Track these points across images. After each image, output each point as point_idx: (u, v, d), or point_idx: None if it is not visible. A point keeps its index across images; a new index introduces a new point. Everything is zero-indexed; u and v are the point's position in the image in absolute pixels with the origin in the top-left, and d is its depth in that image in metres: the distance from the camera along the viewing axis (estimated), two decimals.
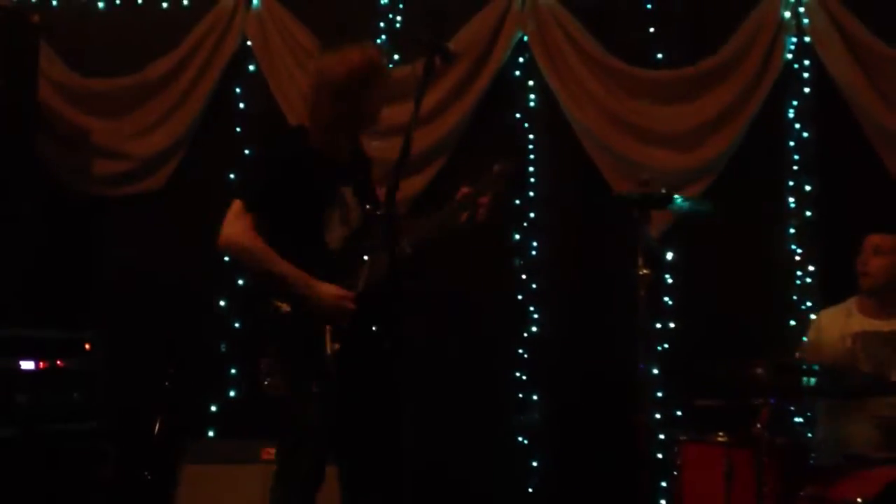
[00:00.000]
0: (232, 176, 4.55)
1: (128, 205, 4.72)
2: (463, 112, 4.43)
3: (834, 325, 3.64)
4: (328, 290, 2.71)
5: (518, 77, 4.48)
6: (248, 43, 4.65)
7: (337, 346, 2.72)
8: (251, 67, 4.67)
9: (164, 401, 4.23)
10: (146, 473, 4.11)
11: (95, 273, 4.72)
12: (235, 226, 2.76)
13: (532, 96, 4.45)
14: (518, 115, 4.44)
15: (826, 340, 3.61)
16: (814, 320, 3.80)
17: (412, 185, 4.29)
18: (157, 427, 4.13)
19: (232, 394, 4.41)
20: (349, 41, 2.94)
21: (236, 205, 2.79)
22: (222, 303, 4.49)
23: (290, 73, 4.57)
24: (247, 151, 4.54)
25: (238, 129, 4.64)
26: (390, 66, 4.52)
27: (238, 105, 4.67)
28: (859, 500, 2.71)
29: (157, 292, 4.58)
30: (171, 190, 4.71)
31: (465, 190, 2.91)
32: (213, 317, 4.48)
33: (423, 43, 2.68)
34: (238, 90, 4.67)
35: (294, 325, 2.73)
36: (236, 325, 4.47)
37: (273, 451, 3.81)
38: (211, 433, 4.37)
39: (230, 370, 4.44)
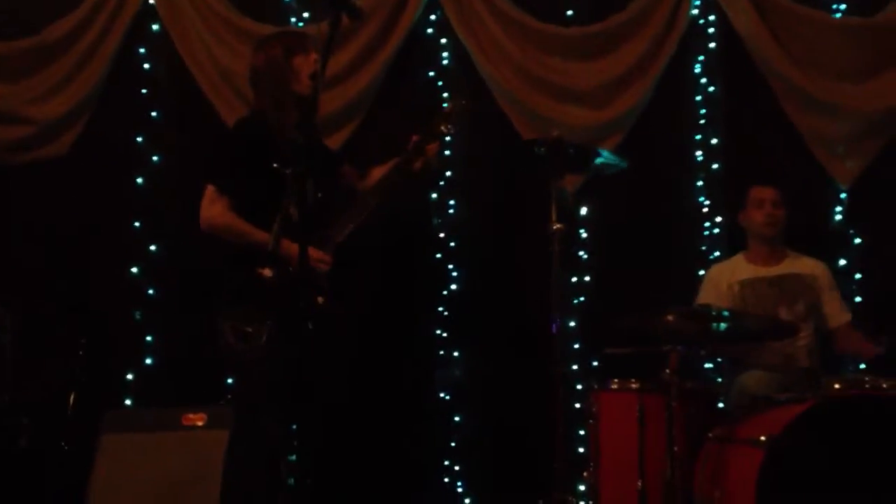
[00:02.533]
0: (139, 139, 4.47)
1: (31, 172, 4.55)
2: (376, 71, 4.39)
3: (722, 278, 3.82)
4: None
5: (431, 35, 4.45)
6: (151, 1, 4.51)
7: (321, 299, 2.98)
8: (155, 27, 4.53)
9: (78, 371, 4.14)
10: (63, 444, 4.02)
11: (1, 244, 4.56)
12: (213, 209, 3.07)
13: (445, 54, 4.44)
14: (432, 74, 4.43)
15: (716, 292, 3.78)
16: (704, 276, 3.94)
17: (328, 145, 4.25)
18: (72, 397, 4.05)
19: (148, 362, 4.33)
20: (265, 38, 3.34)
21: (209, 190, 3.09)
22: (135, 270, 4.40)
23: (196, 31, 4.46)
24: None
25: (144, 91, 4.52)
26: (300, 24, 4.48)
27: (143, 66, 4.54)
28: (762, 437, 2.82)
29: (66, 262, 4.46)
30: (77, 155, 4.56)
31: (415, 138, 3.22)
32: (127, 284, 4.38)
33: (330, 1, 2.66)
34: (142, 51, 4.54)
35: (277, 288, 2.83)
36: (150, 292, 4.39)
37: (193, 416, 3.83)
38: (128, 402, 4.29)
39: (146, 338, 4.36)
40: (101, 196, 4.49)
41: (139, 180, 4.47)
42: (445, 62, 4.44)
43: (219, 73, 4.44)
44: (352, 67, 4.37)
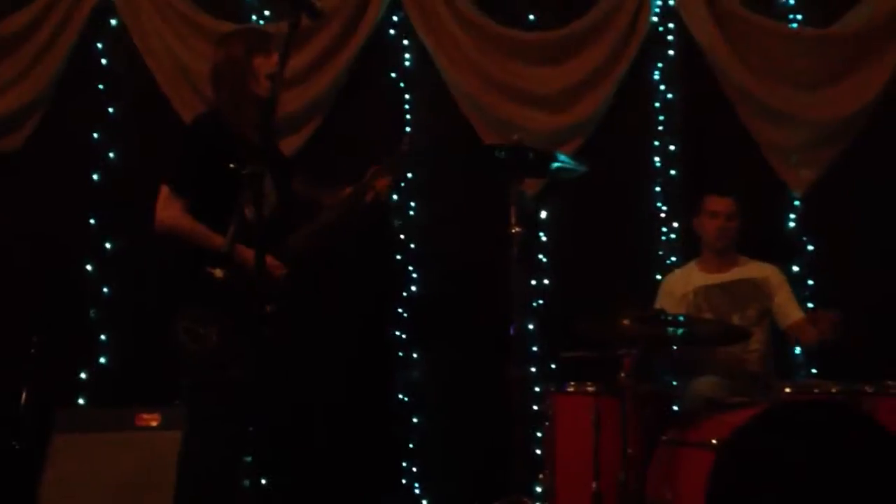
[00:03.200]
0: (95, 135, 4.43)
1: None
2: (337, 71, 4.38)
3: (677, 287, 3.88)
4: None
5: (393, 36, 4.46)
6: None
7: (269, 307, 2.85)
8: (113, 22, 4.49)
9: (30, 369, 4.08)
10: (14, 444, 3.96)
11: None
12: (169, 210, 3.00)
13: (407, 56, 4.45)
14: (394, 75, 4.44)
15: (671, 300, 3.83)
16: (660, 284, 3.99)
17: (289, 145, 4.22)
18: (23, 396, 3.99)
19: (102, 361, 4.28)
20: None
21: (165, 190, 3.02)
22: (90, 268, 4.34)
23: (155, 27, 4.43)
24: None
25: (101, 87, 4.47)
26: (261, 22, 4.46)
27: (101, 61, 4.49)
28: (713, 441, 2.87)
29: (20, 258, 4.39)
30: (32, 151, 4.49)
31: (372, 169, 3.23)
32: (82, 283, 4.33)
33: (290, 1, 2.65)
34: (100, 46, 4.49)
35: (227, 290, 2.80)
36: (105, 290, 4.34)
37: (147, 416, 3.79)
38: (81, 401, 4.24)
39: (100, 337, 4.31)
40: (57, 192, 4.43)
41: (95, 177, 4.42)
42: (407, 64, 4.45)
43: (177, 69, 4.40)
44: (312, 68, 4.36)
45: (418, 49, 4.43)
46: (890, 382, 3.19)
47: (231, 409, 2.88)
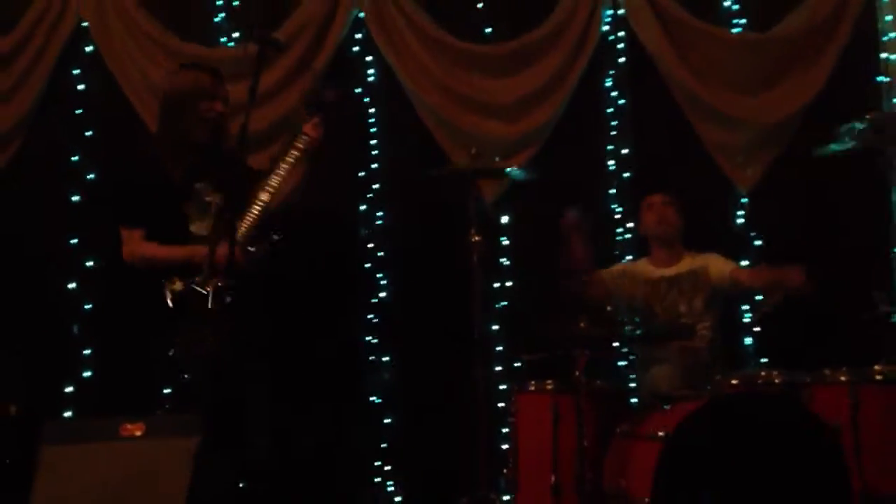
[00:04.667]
0: (75, 157, 4.59)
1: None
2: (304, 88, 4.54)
3: (628, 273, 4.08)
4: (197, 248, 3.11)
5: (357, 53, 4.63)
6: (84, 24, 4.61)
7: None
8: (88, 48, 4.64)
9: (16, 384, 4.24)
10: (5, 459, 4.12)
11: None
12: (128, 245, 3.25)
13: (371, 71, 4.62)
14: (359, 90, 4.61)
15: (619, 280, 4.05)
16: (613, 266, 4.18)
17: (257, 163, 4.39)
18: (11, 411, 4.15)
19: (87, 374, 4.45)
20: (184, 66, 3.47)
21: (122, 229, 3.27)
22: (72, 285, 4.51)
23: (128, 51, 4.59)
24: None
25: (79, 111, 4.63)
26: (230, 44, 4.62)
27: (77, 86, 4.65)
28: (660, 433, 3.07)
29: (3, 278, 4.54)
30: (13, 173, 4.65)
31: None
32: (64, 300, 4.49)
33: (254, 38, 2.83)
34: (76, 71, 4.65)
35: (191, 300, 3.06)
36: (87, 306, 4.51)
37: (132, 426, 3.95)
38: (68, 414, 4.40)
39: (83, 351, 4.47)
40: (38, 213, 4.59)
41: (75, 197, 4.58)
42: (371, 79, 4.62)
43: (150, 91, 4.55)
44: (280, 86, 4.52)
45: (381, 64, 4.61)
46: (827, 371, 3.41)
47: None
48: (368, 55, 4.63)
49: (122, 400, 4.26)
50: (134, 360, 4.32)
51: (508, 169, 3.66)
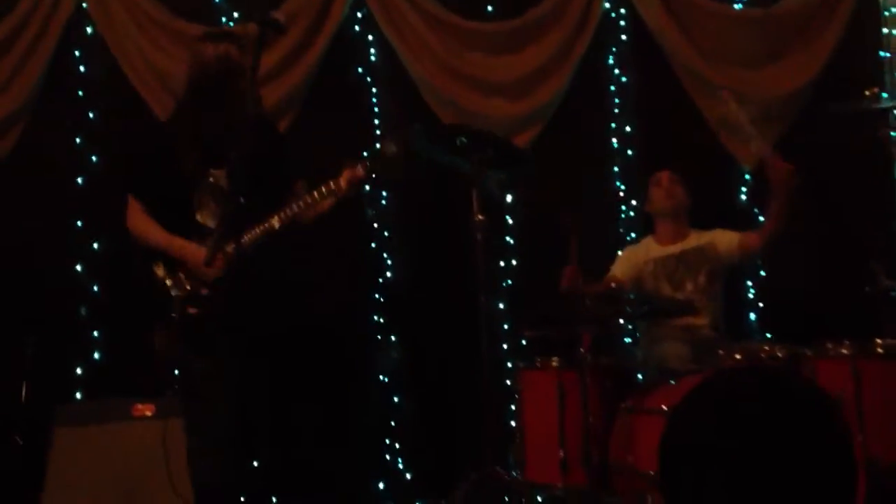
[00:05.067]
0: (78, 140, 4.60)
1: None
2: (307, 67, 4.56)
3: (636, 257, 4.10)
4: (191, 250, 3.05)
5: (358, 32, 4.63)
6: (84, 5, 4.61)
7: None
8: (89, 30, 4.64)
9: (28, 368, 4.28)
10: (17, 439, 4.17)
11: None
12: (129, 214, 3.19)
13: (373, 51, 4.63)
14: (360, 70, 4.61)
15: (626, 266, 4.06)
16: (619, 256, 4.20)
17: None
18: (23, 393, 4.19)
19: (96, 356, 4.48)
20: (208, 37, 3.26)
21: (129, 198, 3.19)
22: (79, 268, 4.53)
23: (129, 33, 4.58)
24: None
25: (81, 93, 4.63)
26: (230, 23, 4.62)
27: (79, 68, 4.64)
28: (664, 407, 3.11)
29: (12, 262, 4.55)
30: (18, 157, 4.65)
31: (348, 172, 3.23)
32: (72, 283, 4.52)
33: (255, 21, 2.82)
34: (77, 53, 4.64)
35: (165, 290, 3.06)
36: (95, 289, 4.54)
37: (143, 407, 4.01)
38: (78, 395, 4.44)
39: (92, 333, 4.50)
40: (44, 197, 4.60)
41: (79, 180, 4.60)
42: (373, 59, 4.62)
43: (151, 72, 4.57)
44: (282, 66, 4.53)
45: (383, 44, 4.61)
46: (829, 345, 3.45)
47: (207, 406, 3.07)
48: (369, 34, 4.62)
49: (131, 382, 4.30)
50: (142, 342, 4.38)
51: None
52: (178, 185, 3.13)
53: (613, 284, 3.98)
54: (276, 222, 3.13)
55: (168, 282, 3.08)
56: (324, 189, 3.20)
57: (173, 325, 3.05)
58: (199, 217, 3.14)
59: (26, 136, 4.65)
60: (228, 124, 3.03)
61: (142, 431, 3.93)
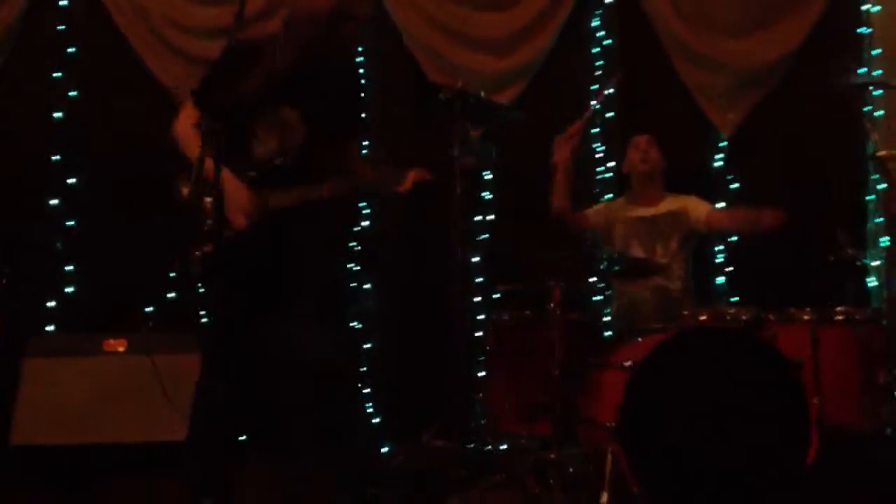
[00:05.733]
0: (58, 74, 4.55)
1: None
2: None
3: (609, 211, 4.20)
4: (243, 189, 2.82)
5: None
6: None
7: (203, 250, 2.80)
8: None
9: (0, 300, 4.29)
10: None
11: None
12: (179, 118, 2.93)
13: None
14: None
15: (600, 220, 4.16)
16: (596, 204, 4.30)
17: None
18: None
19: (70, 290, 4.48)
20: None
21: (185, 102, 2.96)
22: (55, 202, 4.52)
23: None
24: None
25: (61, 27, 4.58)
26: None
27: (59, 2, 4.59)
28: (629, 363, 3.19)
29: None
30: None
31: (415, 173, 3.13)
32: (47, 217, 4.51)
33: None
34: None
35: (189, 212, 2.86)
36: (71, 223, 4.52)
37: (114, 342, 4.03)
38: (50, 328, 4.44)
39: (67, 267, 4.50)
40: (20, 131, 4.57)
41: (58, 114, 4.56)
42: None
43: (135, 10, 4.54)
44: (268, 9, 4.50)
45: None
46: (791, 310, 3.56)
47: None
48: None
49: (105, 317, 4.32)
50: (116, 278, 4.41)
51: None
52: (246, 110, 2.85)
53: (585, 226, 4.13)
54: (325, 192, 2.93)
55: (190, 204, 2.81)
56: (383, 179, 3.13)
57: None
58: (254, 147, 2.92)
59: (4, 71, 4.58)
60: (322, 68, 2.88)
61: (112, 366, 3.97)
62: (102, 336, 4.03)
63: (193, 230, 2.82)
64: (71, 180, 4.54)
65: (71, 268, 4.50)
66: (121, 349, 4.03)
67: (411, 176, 3.08)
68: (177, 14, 4.53)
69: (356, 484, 2.91)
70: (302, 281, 3.04)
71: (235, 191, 2.80)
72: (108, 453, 3.78)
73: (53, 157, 4.54)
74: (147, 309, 4.34)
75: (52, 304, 4.45)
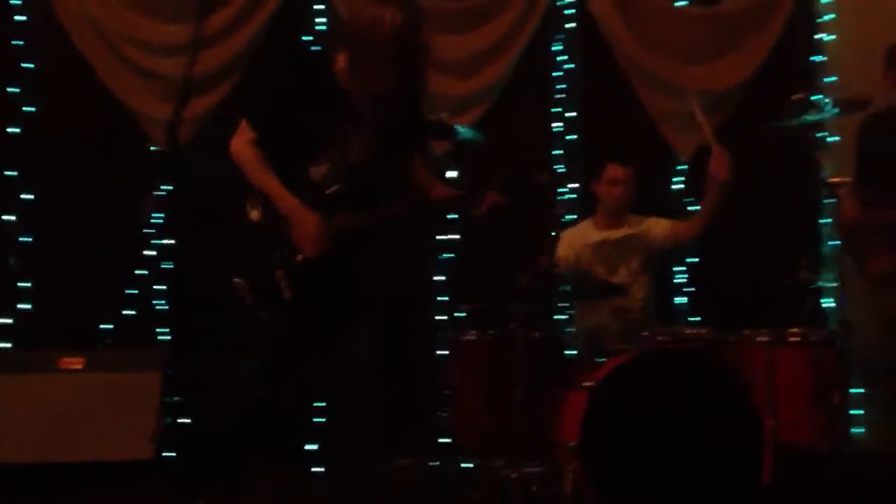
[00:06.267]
0: (14, 90, 4.49)
1: None
2: (253, 31, 4.54)
3: (575, 240, 4.22)
4: (310, 218, 2.71)
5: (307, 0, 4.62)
6: None
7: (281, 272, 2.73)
8: None
9: None
10: None
11: None
12: (238, 139, 2.79)
13: (321, 20, 4.62)
14: (308, 38, 4.60)
15: (570, 251, 4.18)
16: (560, 237, 4.31)
17: (201, 104, 4.43)
18: None
19: (26, 307, 4.39)
20: None
21: (243, 121, 2.81)
22: (10, 218, 4.44)
23: None
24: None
25: (18, 42, 4.52)
26: None
27: (15, 17, 4.54)
28: (589, 383, 3.21)
29: None
30: None
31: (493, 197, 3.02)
32: (1, 233, 4.43)
33: None
34: (16, 2, 4.54)
35: (257, 236, 2.78)
36: (27, 239, 4.45)
37: (70, 360, 3.97)
38: (6, 345, 4.35)
39: (22, 283, 4.41)
40: None
41: (14, 130, 4.49)
42: (321, 28, 4.61)
43: (90, 25, 4.51)
44: (229, 28, 4.50)
45: (331, 12, 4.59)
46: (748, 332, 3.62)
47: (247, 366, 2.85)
48: (319, 3, 4.62)
49: (62, 334, 4.25)
50: (74, 294, 4.35)
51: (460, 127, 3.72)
52: (307, 130, 2.75)
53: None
54: (393, 213, 2.88)
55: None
56: (459, 198, 3.05)
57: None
58: (312, 172, 2.77)
59: None
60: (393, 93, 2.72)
61: (68, 384, 3.91)
62: (59, 353, 3.97)
63: (264, 254, 2.74)
64: (27, 196, 4.47)
65: (27, 284, 4.43)
66: (78, 367, 3.98)
67: (490, 197, 3.01)
68: (134, 31, 4.51)
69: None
70: (372, 298, 2.95)
71: (303, 218, 2.70)
72: (63, 472, 3.72)
73: (8, 173, 4.48)
74: (105, 326, 4.29)
75: (7, 320, 4.38)
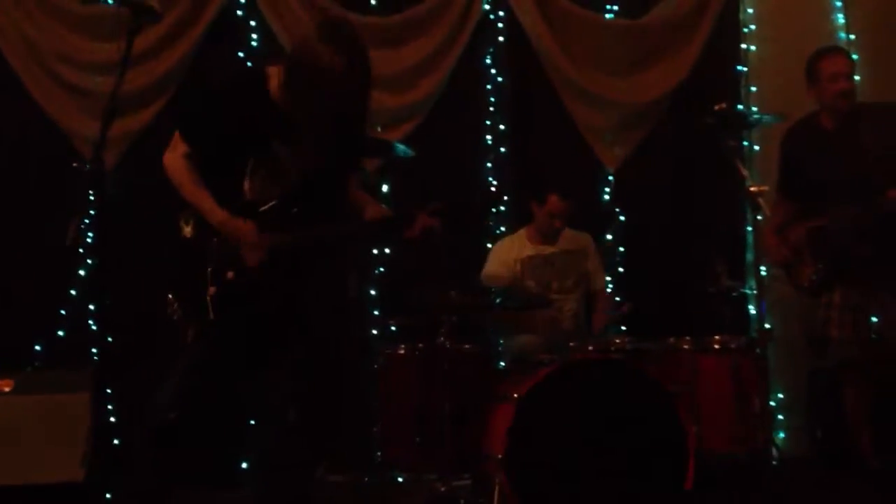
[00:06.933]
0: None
1: None
2: (186, 49, 4.53)
3: (508, 254, 4.28)
4: (243, 225, 2.71)
5: (242, 16, 4.62)
6: None
7: (213, 289, 2.72)
8: None
9: None
10: None
11: None
12: (171, 153, 2.78)
13: (254, 36, 4.63)
14: (241, 55, 4.61)
15: (501, 265, 4.24)
16: (491, 250, 4.38)
17: (133, 123, 4.42)
18: None
19: None
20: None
21: (176, 133, 2.80)
22: None
23: (3, 3, 4.45)
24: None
25: None
26: (109, 1, 4.53)
27: None
28: (515, 395, 3.28)
29: None
30: None
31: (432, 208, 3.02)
32: None
33: (128, 4, 2.74)
34: None
35: (188, 251, 2.78)
36: None
37: (5, 383, 3.93)
38: None
39: None
40: None
41: None
42: (255, 43, 4.63)
43: (25, 46, 4.48)
44: (161, 44, 4.49)
45: (264, 29, 4.61)
46: (672, 340, 3.72)
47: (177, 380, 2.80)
48: (252, 19, 4.62)
49: None
50: (4, 315, 4.30)
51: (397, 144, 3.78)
52: (240, 145, 2.73)
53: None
54: (329, 234, 2.89)
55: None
56: (388, 220, 3.06)
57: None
58: (245, 185, 2.76)
59: None
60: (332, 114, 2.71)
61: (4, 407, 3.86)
62: None
63: (201, 271, 2.72)
64: None
65: None
66: (6, 389, 3.93)
67: (420, 220, 2.98)
68: (68, 49, 4.48)
69: None
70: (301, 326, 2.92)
71: (237, 226, 2.71)
72: None
73: None
74: (35, 347, 4.25)
75: None
